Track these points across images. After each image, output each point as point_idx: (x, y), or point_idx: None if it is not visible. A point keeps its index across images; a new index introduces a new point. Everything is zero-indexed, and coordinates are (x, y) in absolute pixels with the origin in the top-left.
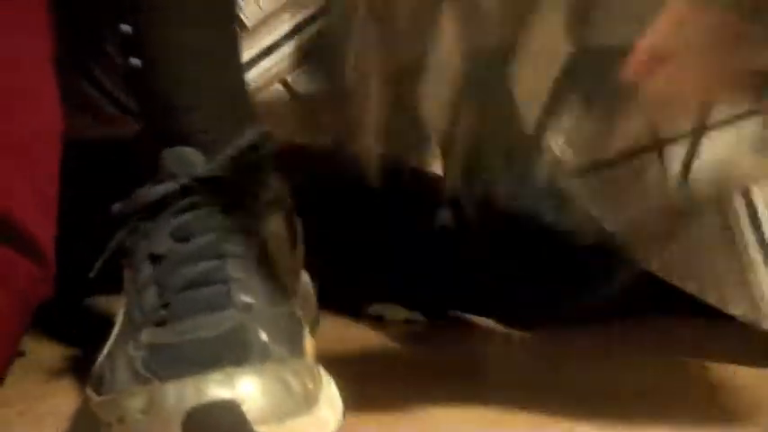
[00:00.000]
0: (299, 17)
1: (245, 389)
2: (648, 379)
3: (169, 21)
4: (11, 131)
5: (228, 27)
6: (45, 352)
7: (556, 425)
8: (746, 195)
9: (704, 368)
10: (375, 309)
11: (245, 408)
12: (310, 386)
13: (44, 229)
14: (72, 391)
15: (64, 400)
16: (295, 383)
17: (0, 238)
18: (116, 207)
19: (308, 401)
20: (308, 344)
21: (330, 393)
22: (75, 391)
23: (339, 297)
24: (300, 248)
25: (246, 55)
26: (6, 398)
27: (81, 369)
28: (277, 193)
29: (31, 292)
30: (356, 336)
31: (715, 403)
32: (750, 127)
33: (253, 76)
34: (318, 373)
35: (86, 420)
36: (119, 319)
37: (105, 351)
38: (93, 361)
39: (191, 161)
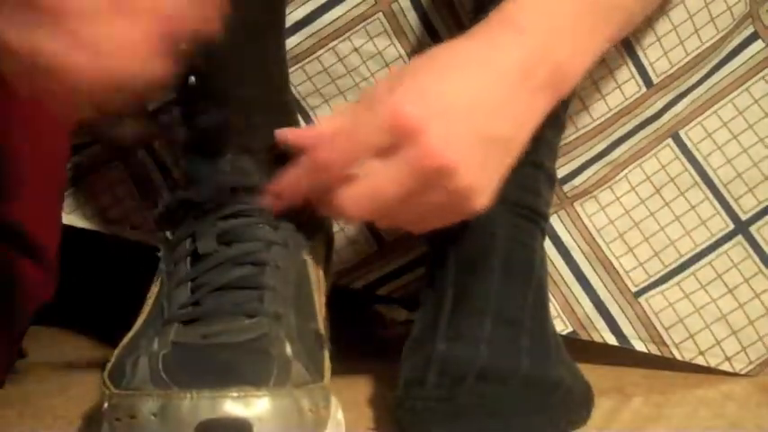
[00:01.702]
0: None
1: (259, 410)
2: (649, 378)
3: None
4: (16, 137)
5: (282, 47)
6: (45, 353)
7: None
8: None
9: (704, 367)
10: (375, 309)
11: (255, 429)
12: (323, 412)
13: (48, 233)
14: (71, 391)
15: (63, 400)
16: (308, 408)
17: (5, 242)
18: (165, 202)
19: (318, 427)
20: (327, 366)
21: (337, 419)
22: (75, 392)
23: (339, 297)
24: (330, 272)
25: None
26: (6, 398)
27: (80, 370)
28: (322, 215)
29: (33, 295)
30: (356, 336)
31: (715, 403)
32: None
33: None
34: (330, 397)
35: (86, 421)
36: (145, 309)
37: (128, 340)
38: (92, 361)
39: (245, 169)
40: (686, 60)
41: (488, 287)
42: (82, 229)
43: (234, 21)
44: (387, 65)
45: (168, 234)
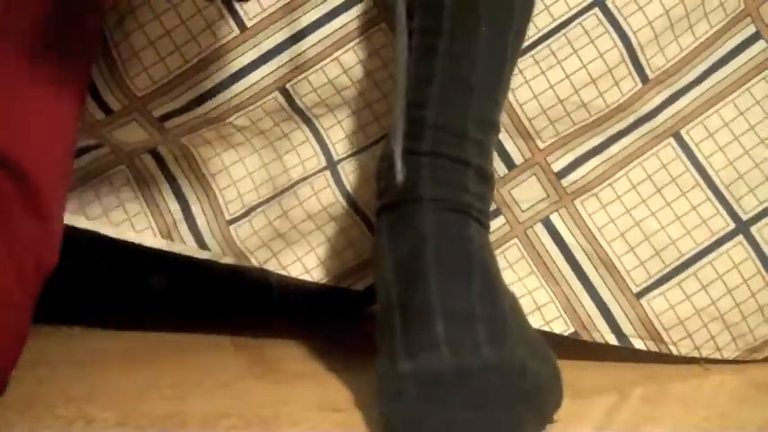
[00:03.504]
0: (302, 20)
1: None
2: (648, 375)
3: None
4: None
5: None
6: (47, 353)
7: (554, 424)
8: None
9: (706, 369)
10: (375, 309)
11: None
12: None
13: (51, 185)
14: (71, 392)
15: (63, 400)
16: None
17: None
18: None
19: None
20: None
21: None
22: (74, 392)
23: (339, 297)
24: None
25: (244, 59)
26: (8, 398)
27: (82, 370)
28: None
29: (35, 253)
30: (356, 336)
31: (716, 405)
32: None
33: (248, 82)
34: None
35: (84, 420)
36: None
37: None
38: (92, 361)
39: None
40: (681, 56)
41: (428, 290)
42: (85, 231)
43: None
44: (392, 76)
45: None
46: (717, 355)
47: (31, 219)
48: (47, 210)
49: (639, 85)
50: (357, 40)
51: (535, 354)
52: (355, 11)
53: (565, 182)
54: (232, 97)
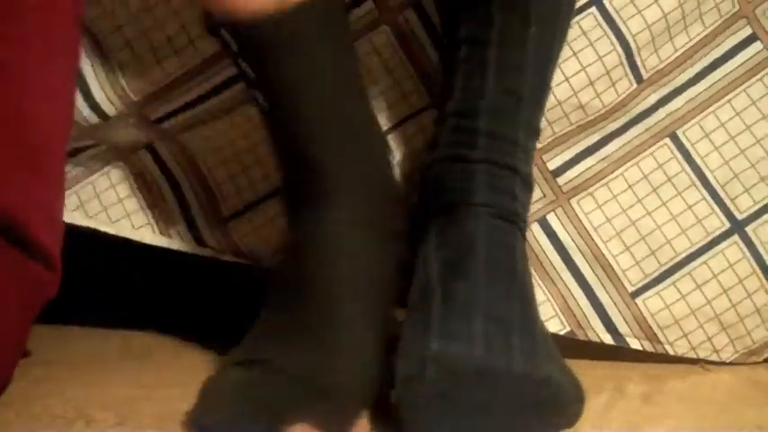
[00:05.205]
0: None
1: None
2: (646, 374)
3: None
4: (23, 136)
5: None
6: (45, 352)
7: None
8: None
9: (704, 368)
10: None
11: None
12: None
13: (51, 233)
14: (69, 392)
15: (61, 400)
16: None
17: (10, 241)
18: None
19: None
20: None
21: None
22: (72, 393)
23: None
24: None
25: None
26: (4, 398)
27: (79, 370)
28: None
29: (37, 294)
30: None
31: (715, 404)
32: None
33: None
34: None
35: (84, 420)
36: None
37: None
38: (91, 361)
39: None
40: (675, 56)
41: (474, 287)
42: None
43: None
44: (391, 72)
45: None
46: (714, 357)
47: (34, 265)
48: (46, 255)
49: (634, 85)
50: (359, 41)
51: (563, 372)
52: (357, 12)
53: (560, 180)
54: (230, 98)
